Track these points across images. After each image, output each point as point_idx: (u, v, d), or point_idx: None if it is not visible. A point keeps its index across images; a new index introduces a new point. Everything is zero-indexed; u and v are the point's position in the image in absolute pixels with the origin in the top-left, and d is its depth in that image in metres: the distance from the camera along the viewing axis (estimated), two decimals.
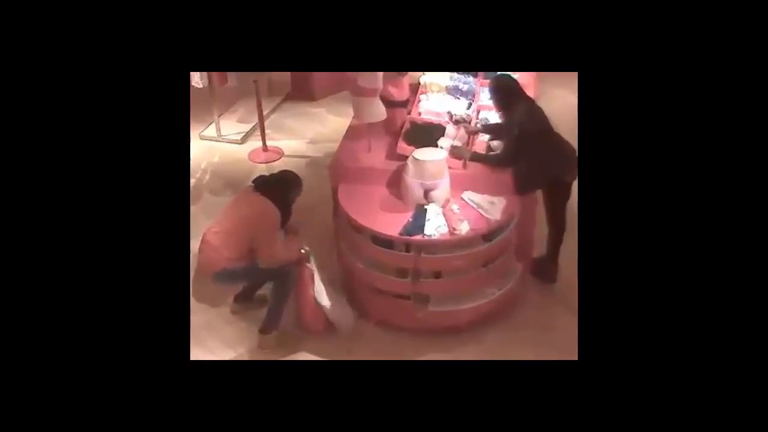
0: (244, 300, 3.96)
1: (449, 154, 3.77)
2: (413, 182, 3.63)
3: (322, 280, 3.62)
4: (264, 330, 3.67)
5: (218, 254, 3.39)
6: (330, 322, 3.68)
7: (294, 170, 3.79)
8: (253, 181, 3.58)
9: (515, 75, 3.92)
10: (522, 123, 3.65)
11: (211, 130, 6.01)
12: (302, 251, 3.59)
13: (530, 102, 3.80)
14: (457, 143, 3.92)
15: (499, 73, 4.01)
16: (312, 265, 3.60)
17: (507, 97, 3.74)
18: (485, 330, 3.77)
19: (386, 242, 3.56)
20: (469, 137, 4.03)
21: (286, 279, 3.55)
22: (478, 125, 4.13)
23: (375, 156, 3.97)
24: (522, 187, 3.73)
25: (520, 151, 3.68)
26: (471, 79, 4.62)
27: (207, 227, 3.54)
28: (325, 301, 3.60)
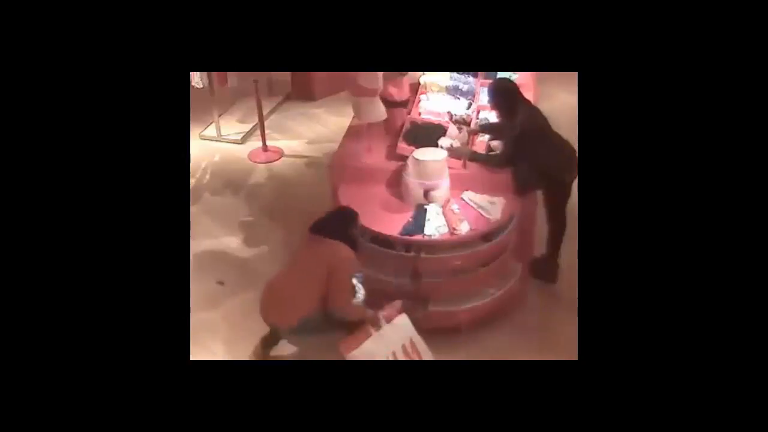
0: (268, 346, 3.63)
1: (449, 154, 3.77)
2: (413, 182, 3.63)
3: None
4: None
5: (294, 305, 3.23)
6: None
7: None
8: (312, 227, 3.36)
9: (515, 75, 3.92)
10: (522, 124, 3.65)
11: (211, 130, 6.01)
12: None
13: (530, 105, 3.80)
14: (457, 143, 3.92)
15: (498, 76, 4.00)
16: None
17: (506, 100, 3.74)
18: (485, 330, 3.76)
19: (386, 242, 3.56)
20: (469, 137, 4.03)
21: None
22: (478, 125, 4.13)
23: (375, 156, 3.97)
24: (522, 187, 3.73)
25: (519, 151, 3.68)
26: (471, 79, 4.61)
27: (271, 278, 3.41)
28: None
